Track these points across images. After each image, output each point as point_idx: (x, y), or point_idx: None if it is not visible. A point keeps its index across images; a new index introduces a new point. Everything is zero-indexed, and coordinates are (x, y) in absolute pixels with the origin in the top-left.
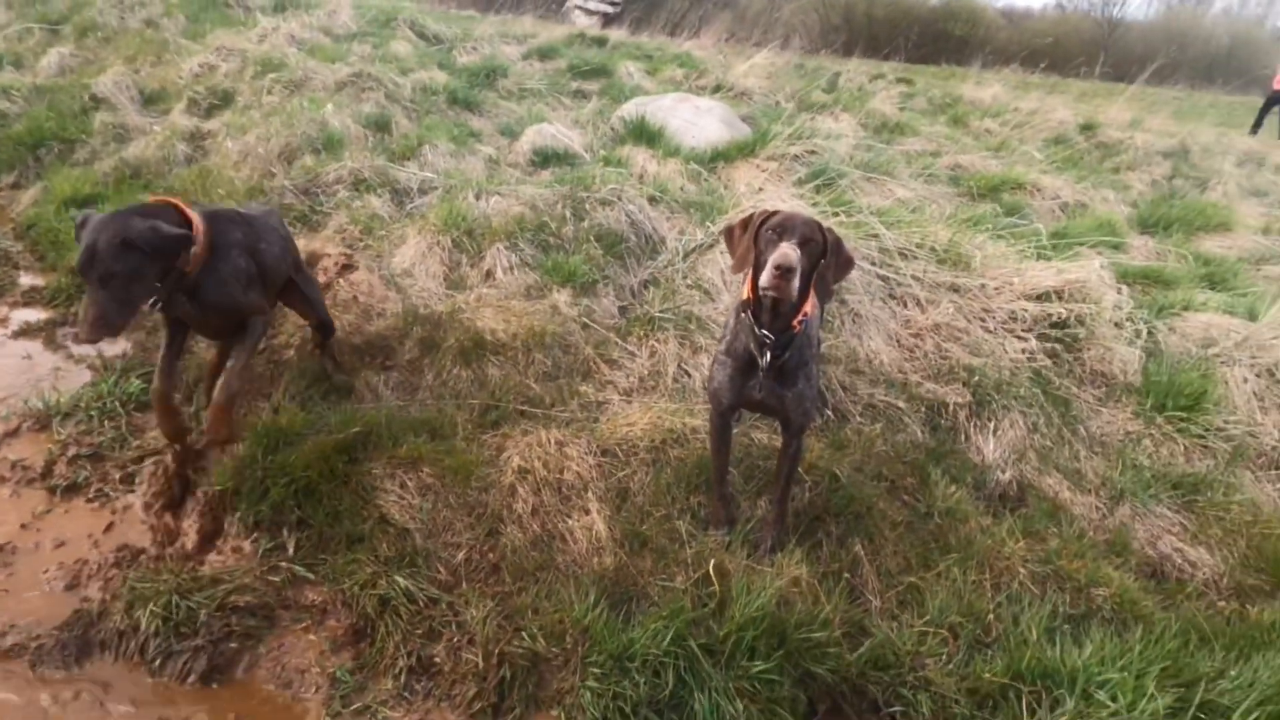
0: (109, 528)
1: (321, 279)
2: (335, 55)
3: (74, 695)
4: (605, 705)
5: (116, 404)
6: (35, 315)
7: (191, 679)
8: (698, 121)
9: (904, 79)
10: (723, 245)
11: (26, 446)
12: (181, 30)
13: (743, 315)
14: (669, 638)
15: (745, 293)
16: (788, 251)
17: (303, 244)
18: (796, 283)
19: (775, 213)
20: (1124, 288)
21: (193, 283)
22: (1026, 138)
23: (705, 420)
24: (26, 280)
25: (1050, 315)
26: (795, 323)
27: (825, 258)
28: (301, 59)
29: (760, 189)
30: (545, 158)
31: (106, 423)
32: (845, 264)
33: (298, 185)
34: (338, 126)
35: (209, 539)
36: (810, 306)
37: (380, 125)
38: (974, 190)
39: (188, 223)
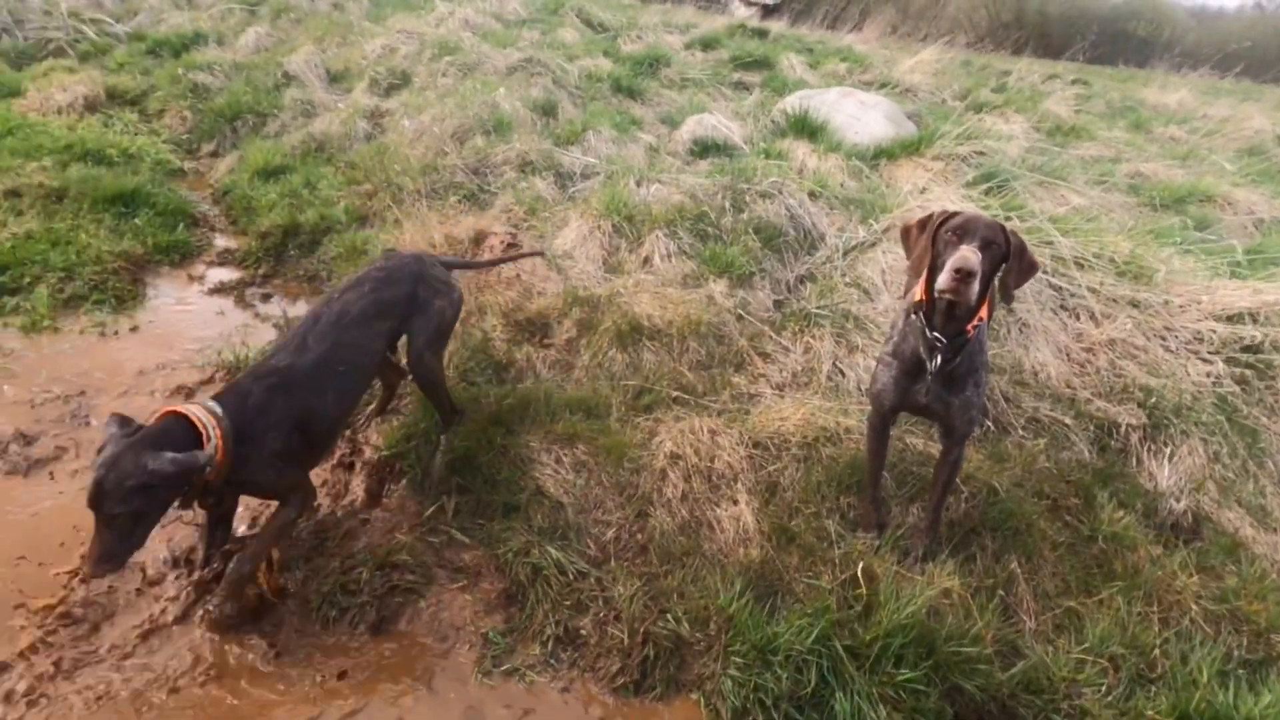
0: None
1: (486, 256)
2: (506, 40)
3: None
4: (745, 695)
5: None
6: (229, 274)
7: (361, 629)
8: (861, 117)
9: (1079, 80)
10: (885, 244)
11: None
12: (365, 13)
13: (913, 317)
14: (814, 635)
15: (918, 294)
16: (968, 254)
17: (470, 222)
18: (976, 286)
19: (955, 214)
20: None
21: (220, 481)
22: (1217, 147)
23: (860, 420)
24: (221, 242)
25: (1241, 338)
26: (970, 327)
27: (1007, 262)
28: (475, 43)
29: (925, 189)
30: (704, 148)
31: None
32: (1028, 269)
33: (468, 165)
34: (507, 109)
35: (375, 497)
36: (985, 311)
37: (547, 110)
38: (1156, 201)
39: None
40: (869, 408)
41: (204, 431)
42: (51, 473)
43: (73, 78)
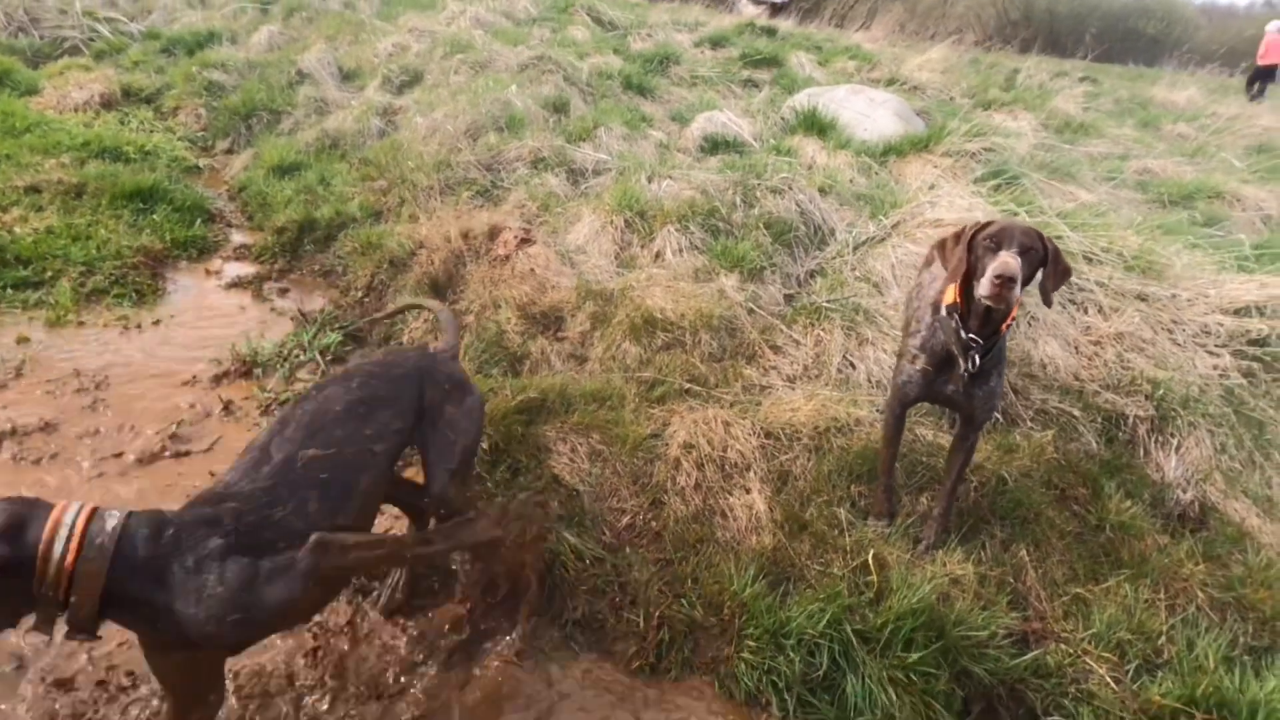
0: None
1: (501, 252)
2: (516, 38)
3: None
4: (759, 678)
5: (315, 353)
6: (246, 269)
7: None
8: (870, 114)
9: (1088, 78)
10: (894, 239)
11: (236, 389)
12: (376, 12)
13: (945, 317)
14: (825, 620)
15: (950, 297)
16: (1009, 261)
17: (485, 217)
18: (1017, 291)
19: (990, 223)
20: None
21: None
22: (1226, 144)
23: (870, 411)
24: (238, 238)
25: (1248, 331)
26: (1005, 326)
27: (1045, 266)
28: (486, 41)
29: (933, 185)
30: (715, 144)
31: (303, 370)
32: (1064, 273)
33: (481, 161)
34: (519, 107)
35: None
36: (1016, 310)
37: (558, 107)
38: (1165, 197)
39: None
40: (885, 398)
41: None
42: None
43: (88, 76)
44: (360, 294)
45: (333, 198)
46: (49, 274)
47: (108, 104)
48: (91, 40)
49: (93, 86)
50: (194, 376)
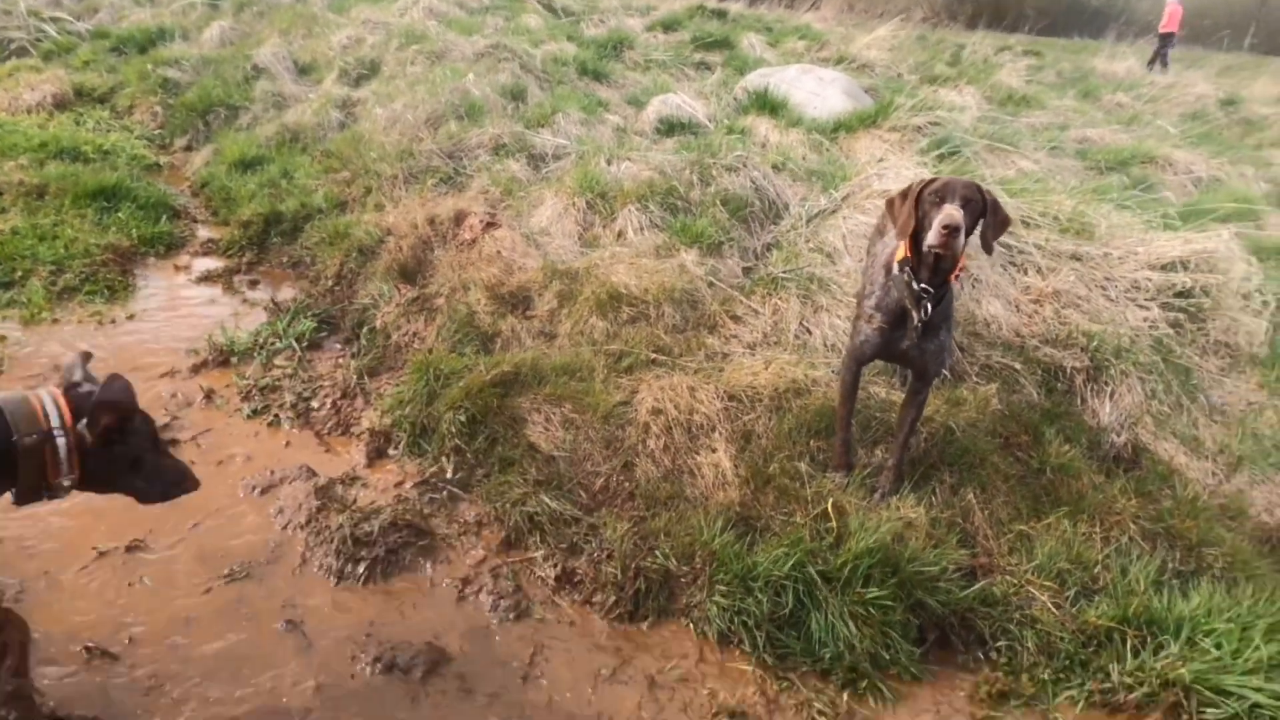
0: (288, 445)
1: (468, 236)
2: (470, 28)
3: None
4: (730, 618)
5: (291, 340)
6: (214, 264)
7: (374, 581)
8: (821, 93)
9: (1032, 51)
10: (844, 211)
11: (215, 377)
12: (328, 4)
13: (898, 272)
14: (790, 564)
15: (902, 252)
16: (952, 212)
17: (450, 203)
18: (961, 239)
19: (934, 179)
20: (1254, 260)
21: None
22: (1161, 112)
23: (826, 373)
24: (204, 233)
25: (1175, 285)
26: (954, 274)
27: (985, 216)
28: (440, 31)
29: (882, 159)
30: (670, 126)
31: (279, 358)
32: (1003, 222)
33: (443, 149)
34: (478, 95)
35: (375, 459)
36: (964, 261)
37: (516, 94)
38: (1102, 164)
39: None
40: (842, 359)
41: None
42: None
43: (39, 77)
44: (330, 283)
45: (297, 190)
46: (19, 274)
47: (60, 104)
48: (39, 40)
49: (44, 87)
50: (172, 368)
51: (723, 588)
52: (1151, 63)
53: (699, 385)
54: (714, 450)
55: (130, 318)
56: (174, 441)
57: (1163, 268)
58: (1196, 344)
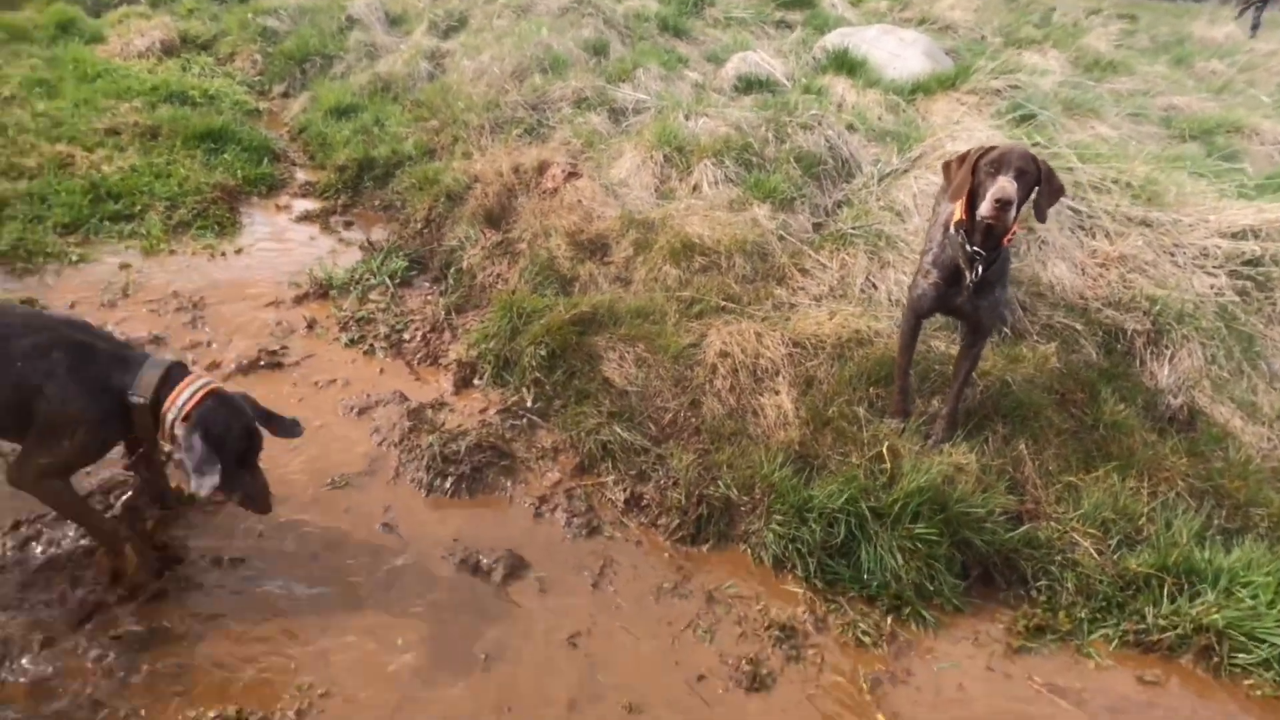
0: (381, 372)
1: (550, 185)
2: None
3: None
4: (785, 545)
5: (385, 277)
6: (312, 205)
7: (460, 495)
8: (900, 54)
9: (1127, 15)
10: (916, 171)
11: (315, 308)
12: None
13: (954, 234)
14: (843, 499)
15: (958, 214)
16: (1005, 186)
17: (534, 153)
18: (1013, 212)
19: (993, 148)
20: None
21: None
22: (1257, 80)
23: (889, 325)
24: (302, 176)
25: (1244, 253)
26: (1005, 240)
27: (1039, 186)
28: None
29: (958, 121)
30: (748, 84)
31: (374, 293)
32: (1056, 192)
33: (527, 101)
34: (561, 49)
35: (461, 388)
36: (1016, 227)
37: (598, 49)
38: (1185, 132)
39: None
40: (903, 311)
41: None
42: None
43: (148, 24)
44: (420, 225)
45: (388, 137)
46: (138, 208)
47: (168, 50)
48: None
49: (153, 34)
50: (277, 298)
51: (779, 517)
52: (1255, 28)
53: (765, 332)
54: (777, 393)
55: (238, 252)
56: (279, 364)
57: (1233, 236)
58: (1263, 312)
